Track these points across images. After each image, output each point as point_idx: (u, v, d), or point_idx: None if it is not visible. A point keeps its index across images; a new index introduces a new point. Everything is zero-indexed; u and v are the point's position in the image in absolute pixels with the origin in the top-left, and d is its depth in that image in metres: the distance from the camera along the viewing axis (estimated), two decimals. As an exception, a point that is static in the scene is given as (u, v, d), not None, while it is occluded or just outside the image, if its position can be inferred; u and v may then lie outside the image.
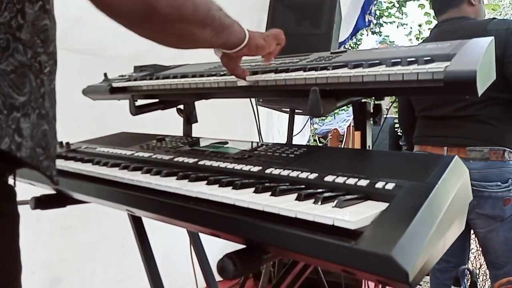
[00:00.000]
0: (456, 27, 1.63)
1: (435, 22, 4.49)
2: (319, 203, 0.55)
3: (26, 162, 0.53)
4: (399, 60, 0.72)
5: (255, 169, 0.74)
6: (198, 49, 0.77)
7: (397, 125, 5.48)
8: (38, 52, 0.55)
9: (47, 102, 0.57)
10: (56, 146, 0.60)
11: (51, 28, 0.58)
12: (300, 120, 3.31)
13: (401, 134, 5.71)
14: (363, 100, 0.90)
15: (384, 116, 0.96)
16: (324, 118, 7.18)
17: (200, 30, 0.71)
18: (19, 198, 0.64)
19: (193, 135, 1.32)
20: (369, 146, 0.92)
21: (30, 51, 0.54)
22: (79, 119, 1.83)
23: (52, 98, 0.59)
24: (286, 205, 0.55)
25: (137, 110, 1.18)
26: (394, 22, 4.71)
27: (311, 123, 3.95)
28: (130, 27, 0.65)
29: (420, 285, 3.81)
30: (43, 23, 0.55)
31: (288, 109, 2.02)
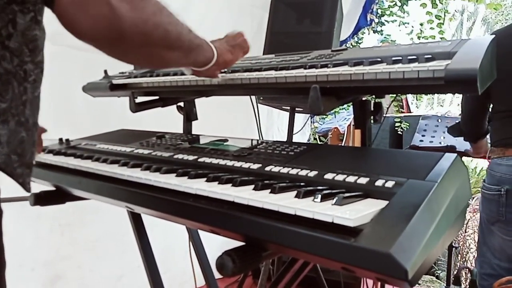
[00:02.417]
0: None
1: (437, 21, 4.46)
2: (319, 200, 0.55)
3: (0, 168, 0.53)
4: (400, 58, 0.72)
5: (255, 166, 0.74)
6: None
7: (397, 124, 5.47)
8: (24, 61, 0.56)
9: (28, 110, 0.57)
10: (33, 153, 0.60)
11: (40, 38, 0.58)
12: (300, 118, 3.30)
13: (401, 132, 5.70)
14: (363, 98, 0.90)
15: (384, 115, 0.96)
16: (324, 116, 7.17)
17: (169, 53, 0.72)
18: (18, 194, 0.64)
19: (193, 132, 1.32)
20: (369, 145, 0.92)
21: (17, 59, 0.54)
22: (79, 115, 1.83)
23: (34, 105, 0.59)
24: (286, 202, 0.55)
25: (137, 107, 1.18)
26: (396, 21, 4.70)
27: (311, 122, 3.95)
28: (100, 49, 0.65)
29: (419, 284, 3.82)
30: (33, 33, 0.56)
31: (288, 107, 2.01)
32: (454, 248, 2.36)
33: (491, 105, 1.68)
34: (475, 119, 1.76)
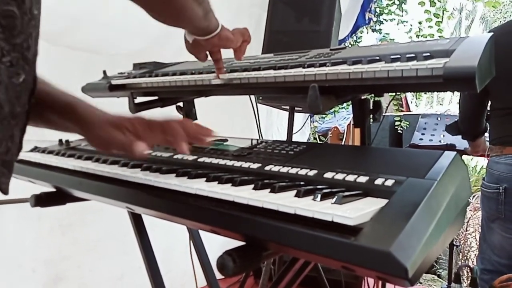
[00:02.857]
0: None
1: (435, 19, 4.46)
2: (319, 199, 0.55)
3: None
4: (399, 56, 0.72)
5: (255, 166, 0.74)
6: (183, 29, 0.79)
7: (397, 123, 5.47)
8: None
9: (1, 93, 0.51)
10: (11, 150, 0.54)
11: (20, 19, 0.53)
12: (300, 118, 3.30)
13: (401, 131, 5.70)
14: (362, 97, 0.90)
15: (384, 114, 0.96)
16: (324, 116, 7.18)
17: (197, 7, 0.74)
18: (18, 196, 0.64)
19: (193, 132, 1.32)
20: (368, 144, 0.92)
21: None
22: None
23: (10, 93, 0.53)
24: (286, 201, 0.55)
25: (136, 108, 1.18)
26: (394, 19, 4.70)
27: (311, 121, 3.95)
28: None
29: (421, 283, 3.82)
30: (5, 8, 0.51)
31: (287, 107, 2.02)
32: (455, 247, 2.37)
33: (489, 103, 1.69)
34: (473, 118, 1.76)
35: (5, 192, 0.55)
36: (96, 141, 0.73)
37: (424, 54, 0.70)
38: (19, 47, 0.54)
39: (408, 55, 0.71)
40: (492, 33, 0.74)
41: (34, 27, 0.57)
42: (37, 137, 0.98)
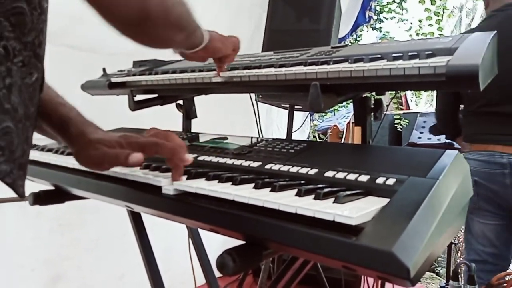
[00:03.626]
0: None
1: (435, 18, 4.45)
2: (320, 198, 0.55)
3: None
4: (401, 54, 0.72)
5: (255, 164, 0.74)
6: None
7: (396, 121, 5.47)
8: (4, 36, 0.48)
9: (15, 97, 0.50)
10: (26, 152, 0.53)
11: (30, 15, 0.51)
12: (299, 116, 3.30)
13: (400, 129, 5.70)
14: (363, 95, 0.90)
15: (384, 112, 0.95)
16: (323, 114, 7.17)
17: (178, 34, 0.73)
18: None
19: (193, 130, 1.31)
20: (369, 142, 0.91)
21: None
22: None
23: (25, 94, 0.52)
24: (286, 200, 0.54)
25: (136, 106, 1.18)
26: (394, 17, 4.70)
27: (310, 120, 3.94)
28: (120, 30, 0.65)
29: (420, 281, 3.82)
30: (14, 5, 0.49)
31: (287, 105, 2.01)
32: (453, 245, 2.37)
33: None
34: (448, 118, 1.85)
35: (23, 195, 0.54)
36: (87, 161, 0.71)
37: (427, 52, 0.69)
38: (30, 45, 0.52)
39: (410, 53, 0.71)
40: (495, 31, 0.73)
41: (44, 21, 0.55)
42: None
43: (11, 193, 0.62)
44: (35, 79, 0.54)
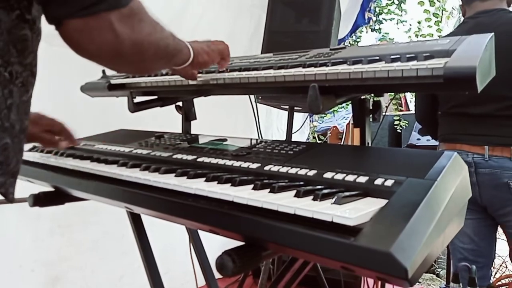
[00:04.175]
0: (495, 20, 1.57)
1: (434, 19, 4.45)
2: (318, 199, 0.55)
3: None
4: (399, 56, 0.72)
5: (254, 166, 0.74)
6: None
7: (396, 123, 5.47)
8: (10, 62, 0.53)
9: (14, 115, 0.55)
10: (19, 161, 0.58)
11: (31, 39, 0.56)
12: (299, 117, 3.30)
13: (400, 131, 5.70)
14: (362, 97, 0.90)
15: (383, 113, 0.96)
16: (323, 115, 7.17)
17: (157, 63, 0.77)
18: (17, 195, 0.64)
19: (192, 132, 1.31)
20: (368, 143, 0.92)
21: (1, 60, 0.52)
22: (78, 116, 1.82)
23: (21, 110, 0.57)
24: (285, 201, 0.54)
25: (135, 107, 1.18)
26: (394, 19, 4.70)
27: (310, 121, 3.95)
28: (97, 62, 0.67)
29: (420, 282, 3.82)
30: (22, 33, 0.54)
31: (287, 107, 2.01)
32: (453, 246, 2.37)
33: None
34: (427, 119, 1.92)
35: (12, 201, 0.58)
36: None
37: (424, 54, 0.70)
38: (29, 66, 0.57)
39: (408, 55, 0.71)
40: (492, 34, 0.73)
41: (39, 41, 0.60)
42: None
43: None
44: (30, 95, 0.59)
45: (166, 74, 1.08)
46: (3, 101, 0.53)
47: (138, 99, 1.20)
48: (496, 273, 2.96)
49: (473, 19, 1.67)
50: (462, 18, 1.80)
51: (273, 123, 3.15)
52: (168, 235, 1.84)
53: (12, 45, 0.53)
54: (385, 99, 0.92)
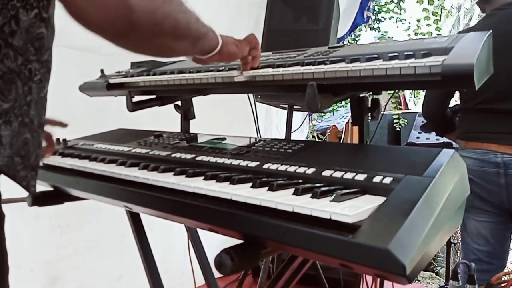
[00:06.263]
0: None
1: (433, 17, 4.45)
2: (317, 197, 0.55)
3: (2, 171, 0.53)
4: (397, 54, 0.72)
5: (253, 164, 0.74)
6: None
7: (395, 121, 5.47)
8: (29, 60, 0.55)
9: (33, 111, 0.56)
10: (39, 155, 0.59)
11: (47, 37, 0.57)
12: (298, 116, 3.30)
13: (399, 129, 5.71)
14: (361, 95, 0.90)
15: (382, 112, 0.96)
16: (322, 114, 7.18)
17: (178, 43, 0.71)
18: (16, 195, 0.64)
19: (191, 131, 1.31)
20: (366, 141, 0.92)
21: (21, 58, 0.53)
22: (76, 115, 1.83)
23: (39, 106, 0.58)
24: (284, 199, 0.55)
25: (134, 106, 1.18)
26: (393, 17, 4.71)
27: (309, 120, 3.95)
28: (109, 39, 0.64)
29: (419, 280, 3.82)
30: (38, 31, 0.55)
31: (286, 105, 2.01)
32: (452, 244, 2.37)
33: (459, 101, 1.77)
34: (436, 116, 1.87)
35: (34, 193, 0.61)
36: None
37: (422, 52, 0.70)
38: (46, 63, 0.58)
39: (406, 53, 0.71)
40: (490, 31, 0.74)
41: (53, 39, 0.60)
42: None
43: (9, 194, 0.62)
44: (46, 91, 0.60)
45: (165, 73, 1.08)
46: (23, 97, 0.54)
47: (137, 98, 1.20)
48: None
49: (503, 10, 1.57)
50: (470, 15, 1.75)
51: (272, 122, 3.15)
52: (167, 235, 1.84)
53: (30, 43, 0.54)
54: (383, 98, 0.92)
